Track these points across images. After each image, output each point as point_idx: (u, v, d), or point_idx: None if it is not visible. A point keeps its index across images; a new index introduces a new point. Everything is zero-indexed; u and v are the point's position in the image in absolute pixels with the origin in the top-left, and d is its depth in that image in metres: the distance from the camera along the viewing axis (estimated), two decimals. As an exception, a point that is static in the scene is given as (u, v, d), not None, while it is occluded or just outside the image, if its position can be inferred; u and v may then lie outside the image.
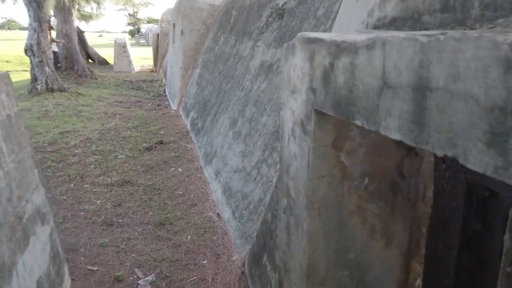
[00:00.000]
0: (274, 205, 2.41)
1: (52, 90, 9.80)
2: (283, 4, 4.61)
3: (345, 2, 2.11)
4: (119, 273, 2.91)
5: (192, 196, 4.35)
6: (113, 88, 11.65)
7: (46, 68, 9.86)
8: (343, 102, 0.97)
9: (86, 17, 17.73)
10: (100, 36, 66.66)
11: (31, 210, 2.32)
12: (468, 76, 0.64)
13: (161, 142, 6.15)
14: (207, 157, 5.13)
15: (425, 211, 1.29)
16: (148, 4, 48.44)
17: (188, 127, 7.02)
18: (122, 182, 4.64)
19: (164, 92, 11.27)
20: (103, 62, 18.03)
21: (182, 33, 8.69)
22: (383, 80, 0.80)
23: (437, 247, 1.30)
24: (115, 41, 16.30)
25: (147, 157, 5.52)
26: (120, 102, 9.72)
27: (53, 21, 12.13)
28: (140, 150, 5.79)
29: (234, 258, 3.14)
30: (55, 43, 11.88)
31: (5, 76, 2.18)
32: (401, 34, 0.79)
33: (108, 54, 18.64)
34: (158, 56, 16.34)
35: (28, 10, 9.69)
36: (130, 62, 16.36)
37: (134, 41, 42.99)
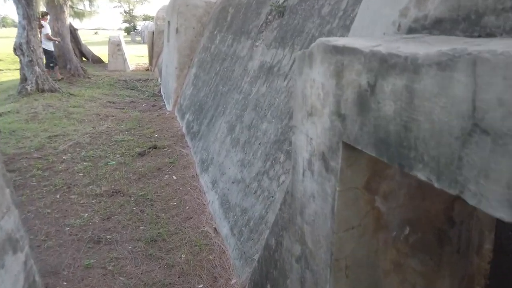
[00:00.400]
0: (278, 231, 2.12)
1: (43, 91, 9.44)
2: (284, 1, 4.31)
3: (364, -1, 1.83)
4: (105, 302, 2.62)
5: (187, 207, 4.05)
6: (106, 88, 11.31)
7: (36, 68, 9.50)
8: (393, 141, 0.69)
9: (79, 15, 17.35)
10: (95, 33, 66.13)
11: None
12: None
13: (155, 147, 5.84)
14: (203, 164, 4.83)
15: (480, 267, 1.02)
16: (144, 1, 47.96)
17: (184, 130, 6.71)
18: (112, 192, 4.33)
19: (159, 92, 10.95)
20: (98, 61, 17.65)
21: (177, 31, 8.37)
22: (472, 120, 0.52)
23: (492, 309, 1.02)
24: (109, 39, 15.92)
25: (140, 164, 5.21)
26: (113, 102, 9.39)
27: (49, 19, 11.73)
28: (132, 156, 5.48)
29: (233, 282, 2.85)
30: (51, 41, 11.51)
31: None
32: (498, 46, 0.50)
33: (103, 52, 18.26)
34: (153, 55, 15.98)
35: (17, 8, 9.31)
36: (124, 60, 15.99)
37: (130, 39, 42.52)
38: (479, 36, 0.93)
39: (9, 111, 7.64)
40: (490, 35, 0.92)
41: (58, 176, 4.65)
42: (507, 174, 0.48)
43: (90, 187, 4.43)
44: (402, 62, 0.65)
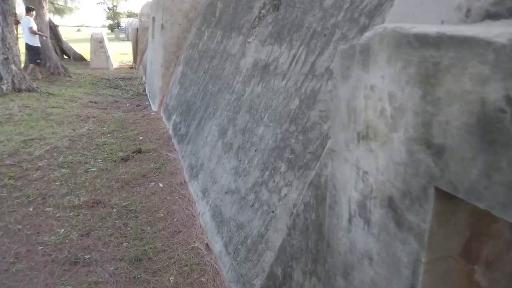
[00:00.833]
0: (287, 260, 1.79)
1: (20, 91, 8.91)
2: (279, -6, 3.97)
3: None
4: None
5: (175, 219, 3.69)
6: (88, 87, 10.81)
7: (13, 66, 8.96)
8: None
9: (59, 11, 16.70)
10: (78, 30, 64.82)
11: None
12: None
13: (139, 151, 5.44)
14: (192, 170, 4.46)
15: None
16: (128, -2, 47.14)
17: (170, 132, 6.32)
18: (93, 202, 3.94)
19: (144, 90, 10.51)
20: (79, 58, 17.03)
21: (162, 27, 7.96)
22: None
23: None
24: (91, 36, 15.34)
25: (123, 170, 4.82)
26: (95, 102, 8.93)
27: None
28: (115, 161, 5.08)
29: (229, 310, 2.51)
30: (37, 36, 10.94)
31: None
32: None
33: (85, 50, 17.64)
34: (137, 52, 15.47)
35: (-9, 2, 8.76)
36: (107, 58, 15.44)
37: (114, 36, 41.63)
38: None
39: (-19, 113, 7.13)
40: None
41: (32, 186, 4.23)
42: None
43: (68, 197, 4.03)
44: None
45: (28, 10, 10.97)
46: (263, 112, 3.27)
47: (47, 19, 12.82)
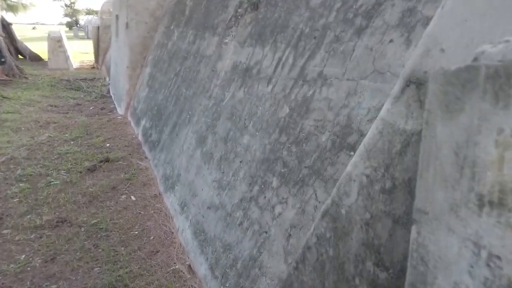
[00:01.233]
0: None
1: (-31, 94, 8.19)
2: (258, -8, 3.73)
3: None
4: None
5: (151, 237, 3.38)
6: (47, 89, 10.13)
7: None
8: None
9: (13, 8, 15.65)
10: (33, 28, 61.84)
11: None
12: None
13: (107, 160, 5.05)
14: (167, 180, 4.15)
15: None
16: (87, -6, 45.34)
17: (140, 138, 5.95)
18: (57, 221, 3.55)
19: (108, 92, 9.97)
20: (36, 58, 16.07)
21: (127, 26, 7.52)
22: None
23: None
24: (48, 35, 14.46)
25: (90, 182, 4.42)
26: (55, 106, 8.34)
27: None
28: (80, 172, 4.67)
29: None
30: None
31: None
32: None
33: (42, 49, 16.68)
34: (99, 52, 14.75)
35: None
36: (67, 58, 14.63)
37: (72, 34, 39.90)
38: None
39: None
40: None
41: (-14, 204, 3.78)
42: None
43: (28, 216, 3.61)
44: None
45: None
46: (247, 120, 3.02)
47: (-1, 16, 11.94)
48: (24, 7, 14.95)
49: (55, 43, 14.32)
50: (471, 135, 0.53)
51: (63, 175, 4.57)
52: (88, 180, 4.47)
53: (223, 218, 2.81)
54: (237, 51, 3.69)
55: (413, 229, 0.68)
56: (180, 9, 6.43)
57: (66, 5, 57.16)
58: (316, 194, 2.04)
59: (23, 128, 6.38)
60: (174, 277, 2.85)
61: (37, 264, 2.96)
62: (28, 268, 2.91)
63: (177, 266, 2.96)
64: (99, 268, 2.95)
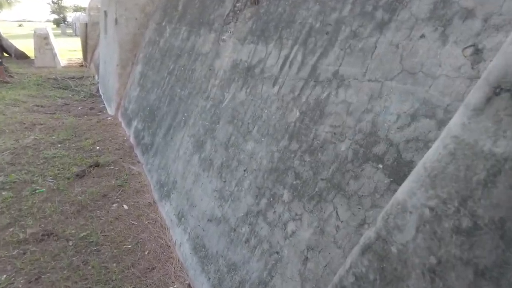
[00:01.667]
0: None
1: (-50, 94, 7.79)
2: (259, -16, 3.46)
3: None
4: None
5: (146, 252, 3.11)
6: (33, 88, 9.74)
7: None
8: None
9: (-3, 4, 15.12)
10: (20, 25, 60.75)
11: None
12: None
13: (97, 164, 4.75)
14: (162, 188, 3.87)
15: None
16: (74, -9, 44.62)
17: (132, 140, 5.65)
18: (43, 235, 3.26)
19: (98, 91, 9.63)
20: (22, 56, 15.58)
21: (116, 22, 7.19)
22: None
23: None
24: (34, 32, 13.98)
25: (79, 189, 4.13)
26: (42, 106, 7.98)
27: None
28: (68, 178, 4.36)
29: None
30: None
31: None
32: None
33: (28, 47, 16.19)
34: (88, 49, 14.33)
35: None
36: (54, 55, 14.19)
37: (60, 31, 39.12)
38: None
39: None
40: None
41: (-37, 217, 3.47)
42: None
43: (11, 230, 3.32)
44: None
45: None
46: (250, 124, 2.76)
47: (-19, 12, 11.48)
48: (9, 3, 14.45)
49: (42, 40, 13.87)
50: None
51: (50, 181, 4.26)
52: (76, 187, 4.17)
53: (226, 233, 2.55)
54: (236, 48, 3.42)
55: None
56: (173, 4, 6.12)
57: (53, 2, 56.13)
58: (337, 212, 1.79)
59: (7, 130, 6.03)
60: (173, 298, 2.59)
61: (20, 285, 2.67)
62: (10, 291, 2.63)
63: (175, 286, 2.69)
64: (89, 288, 2.68)
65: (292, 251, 1.96)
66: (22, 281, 2.72)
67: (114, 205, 3.84)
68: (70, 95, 9.29)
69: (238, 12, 3.76)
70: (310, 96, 2.28)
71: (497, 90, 0.77)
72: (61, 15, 55.75)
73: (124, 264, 2.94)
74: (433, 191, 0.90)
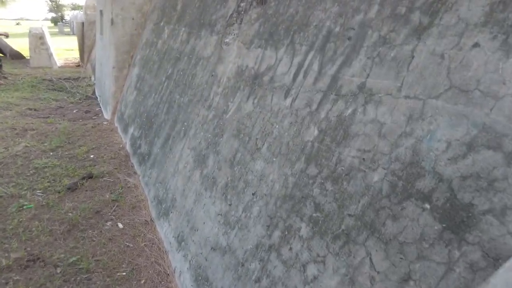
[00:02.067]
0: None
1: None
2: (266, -18, 3.13)
3: None
4: None
5: (142, 281, 2.79)
6: (27, 90, 9.41)
7: None
8: None
9: (-9, 2, 14.74)
10: (17, 24, 60.33)
11: None
12: None
13: (90, 176, 4.43)
14: (160, 204, 3.55)
15: None
16: (72, -11, 44.30)
17: (128, 147, 5.33)
18: (28, 260, 2.94)
19: (94, 93, 9.30)
20: (17, 56, 15.23)
21: (112, 22, 6.85)
22: None
23: None
24: (29, 31, 13.63)
25: (70, 204, 3.81)
26: (35, 109, 7.65)
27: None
28: (59, 192, 4.04)
29: None
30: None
31: None
32: None
33: (25, 46, 15.81)
34: (84, 49, 13.98)
35: None
36: (50, 55, 13.84)
37: (57, 30, 38.70)
38: None
39: None
40: None
41: None
42: None
43: (-8, 254, 3.00)
44: None
45: None
46: (259, 140, 2.44)
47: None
48: (3, 2, 14.08)
49: (37, 40, 13.52)
50: None
51: (39, 196, 3.94)
52: (67, 202, 3.85)
53: (232, 267, 2.24)
54: (242, 53, 3.10)
55: None
56: (171, 4, 5.79)
57: (51, 1, 55.66)
58: (371, 260, 1.47)
59: (-4, 137, 5.70)
60: None
61: (-1, 325, 2.36)
62: (-14, 331, 2.31)
63: (175, 324, 2.38)
64: (77, 327, 2.36)
65: (314, 300, 1.64)
66: (1, 318, 2.41)
67: (108, 223, 3.52)
68: (65, 97, 8.96)
69: (242, 12, 3.43)
70: (330, 112, 1.96)
71: None
72: (59, 14, 55.31)
73: (117, 296, 2.63)
74: None
